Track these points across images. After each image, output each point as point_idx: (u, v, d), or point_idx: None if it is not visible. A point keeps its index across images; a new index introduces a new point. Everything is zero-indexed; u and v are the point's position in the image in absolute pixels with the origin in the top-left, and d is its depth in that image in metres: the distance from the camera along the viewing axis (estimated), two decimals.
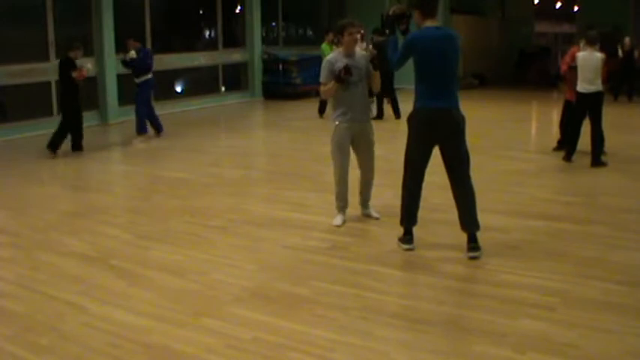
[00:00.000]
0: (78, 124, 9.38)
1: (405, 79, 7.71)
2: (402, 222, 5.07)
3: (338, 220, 5.72)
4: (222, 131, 11.06)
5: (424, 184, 5.00)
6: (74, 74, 8.98)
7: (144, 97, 10.52)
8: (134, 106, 10.60)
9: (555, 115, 11.84)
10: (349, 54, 5.51)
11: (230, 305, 4.11)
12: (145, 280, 4.58)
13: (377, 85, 5.74)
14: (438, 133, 4.79)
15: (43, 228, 5.87)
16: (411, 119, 4.91)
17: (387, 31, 5.49)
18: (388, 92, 11.57)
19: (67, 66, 9.03)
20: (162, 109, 13.50)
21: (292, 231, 5.59)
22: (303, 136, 10.86)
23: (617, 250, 4.99)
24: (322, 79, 5.58)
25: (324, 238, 5.35)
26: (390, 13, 5.18)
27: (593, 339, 3.58)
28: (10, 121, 10.91)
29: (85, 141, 9.38)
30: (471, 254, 4.78)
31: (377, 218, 5.81)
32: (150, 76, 10.45)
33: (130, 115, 12.57)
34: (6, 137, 10.45)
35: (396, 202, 5.13)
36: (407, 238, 5.05)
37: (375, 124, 6.02)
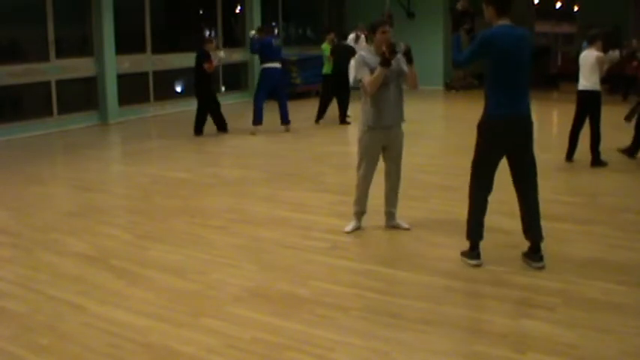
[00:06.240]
0: (215, 107, 10.76)
1: None
2: (469, 236, 4.72)
3: (349, 226, 5.48)
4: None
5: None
6: (205, 65, 10.41)
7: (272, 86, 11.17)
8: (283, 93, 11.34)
9: (555, 116, 11.84)
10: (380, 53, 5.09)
11: (230, 305, 4.11)
12: (145, 280, 4.58)
13: (414, 82, 5.21)
14: (512, 141, 4.53)
15: (43, 228, 5.87)
16: (483, 126, 4.56)
17: (451, 28, 4.98)
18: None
19: (201, 58, 10.48)
20: (162, 109, 13.57)
21: (292, 231, 5.59)
22: (303, 136, 10.86)
23: (617, 250, 4.99)
24: (358, 75, 5.17)
25: (324, 238, 5.35)
26: (459, 7, 4.86)
27: (593, 339, 3.57)
28: (10, 121, 10.90)
29: (85, 141, 9.37)
30: (537, 264, 4.60)
31: (408, 229, 5.46)
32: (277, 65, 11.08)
33: (129, 115, 12.63)
34: (6, 137, 10.45)
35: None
36: (474, 253, 4.70)
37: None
